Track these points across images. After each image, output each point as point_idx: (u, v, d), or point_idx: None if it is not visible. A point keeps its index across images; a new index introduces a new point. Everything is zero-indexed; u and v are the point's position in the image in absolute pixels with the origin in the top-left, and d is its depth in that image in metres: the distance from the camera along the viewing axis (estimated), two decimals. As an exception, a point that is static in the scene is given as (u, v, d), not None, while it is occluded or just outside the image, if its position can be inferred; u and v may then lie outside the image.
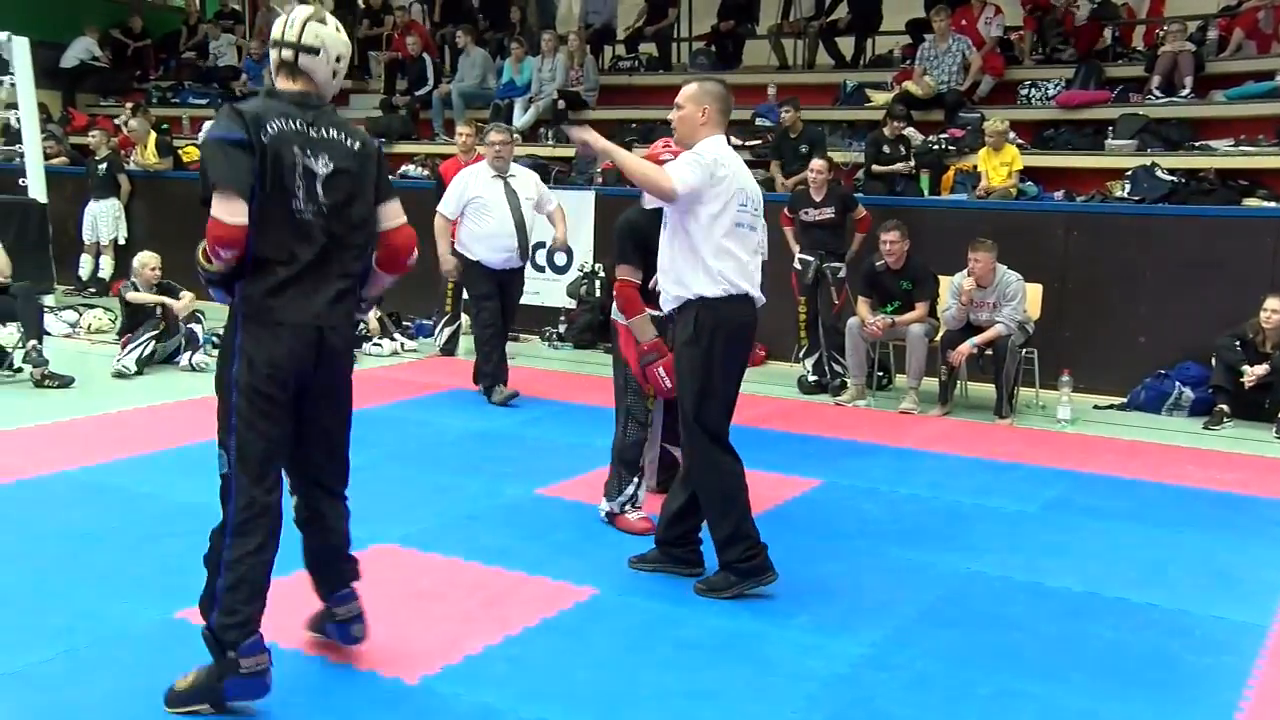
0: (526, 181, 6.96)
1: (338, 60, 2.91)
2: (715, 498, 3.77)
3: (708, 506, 3.80)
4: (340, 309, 2.92)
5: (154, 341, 7.49)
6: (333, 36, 2.90)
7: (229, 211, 2.65)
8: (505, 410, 6.61)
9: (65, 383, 6.89)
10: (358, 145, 2.94)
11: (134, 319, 7.75)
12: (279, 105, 2.83)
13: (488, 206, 6.70)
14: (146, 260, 7.77)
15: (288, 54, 2.86)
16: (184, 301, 7.71)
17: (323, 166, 2.83)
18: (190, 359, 7.56)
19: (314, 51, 2.87)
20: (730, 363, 3.74)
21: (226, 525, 2.86)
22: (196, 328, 7.70)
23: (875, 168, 8.75)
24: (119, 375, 7.27)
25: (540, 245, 9.50)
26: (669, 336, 4.24)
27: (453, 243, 6.81)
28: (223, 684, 2.85)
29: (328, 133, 2.87)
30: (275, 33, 2.90)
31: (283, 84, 2.90)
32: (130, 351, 7.37)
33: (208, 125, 2.79)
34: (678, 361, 3.79)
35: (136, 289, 7.75)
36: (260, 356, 2.79)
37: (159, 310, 7.59)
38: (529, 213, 6.84)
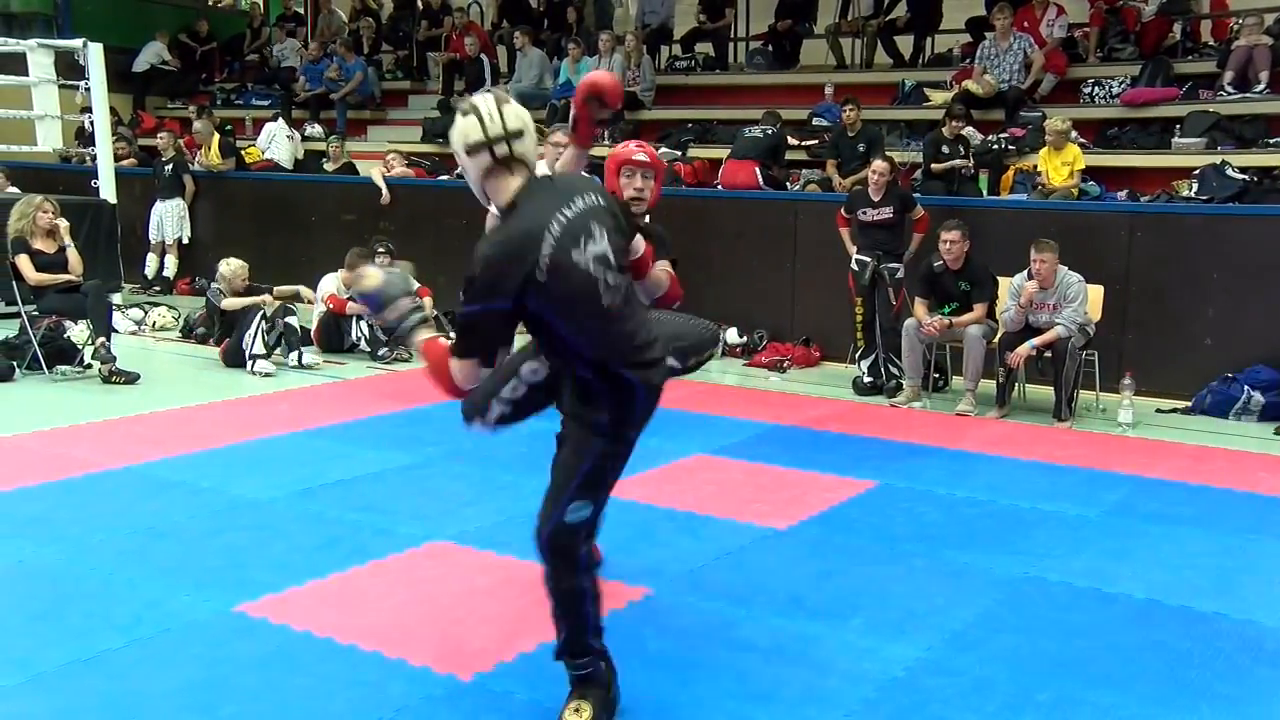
0: None
1: (536, 134, 2.66)
2: None
3: None
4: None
5: (263, 336, 7.65)
6: (525, 112, 2.63)
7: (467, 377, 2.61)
8: (546, 413, 6.62)
9: (131, 379, 7.07)
10: (601, 199, 2.70)
11: (229, 324, 7.91)
12: (532, 208, 2.53)
13: None
14: (238, 270, 7.94)
15: (501, 149, 2.53)
16: (283, 291, 7.98)
17: (601, 240, 2.60)
18: (300, 358, 7.72)
19: (521, 134, 2.56)
20: None
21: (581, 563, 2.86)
22: (292, 320, 7.85)
23: (934, 166, 8.64)
24: (265, 375, 7.46)
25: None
26: None
27: None
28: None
29: (581, 202, 2.61)
30: (475, 134, 2.53)
31: (504, 182, 2.58)
32: (259, 356, 7.55)
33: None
34: None
35: (223, 294, 7.91)
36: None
37: (254, 311, 7.77)
38: None
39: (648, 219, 4.00)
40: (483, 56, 12.14)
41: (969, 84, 9.45)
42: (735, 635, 3.51)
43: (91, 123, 10.45)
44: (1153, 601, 3.87)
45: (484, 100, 2.58)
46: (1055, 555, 4.32)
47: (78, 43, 10.40)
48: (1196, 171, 7.92)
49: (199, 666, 3.21)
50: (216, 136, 11.71)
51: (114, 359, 7.12)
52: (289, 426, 6.07)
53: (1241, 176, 7.72)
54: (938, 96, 9.85)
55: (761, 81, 11.17)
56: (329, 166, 11.31)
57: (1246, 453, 6.07)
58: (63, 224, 7.41)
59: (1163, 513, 4.89)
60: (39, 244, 7.29)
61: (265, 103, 13.49)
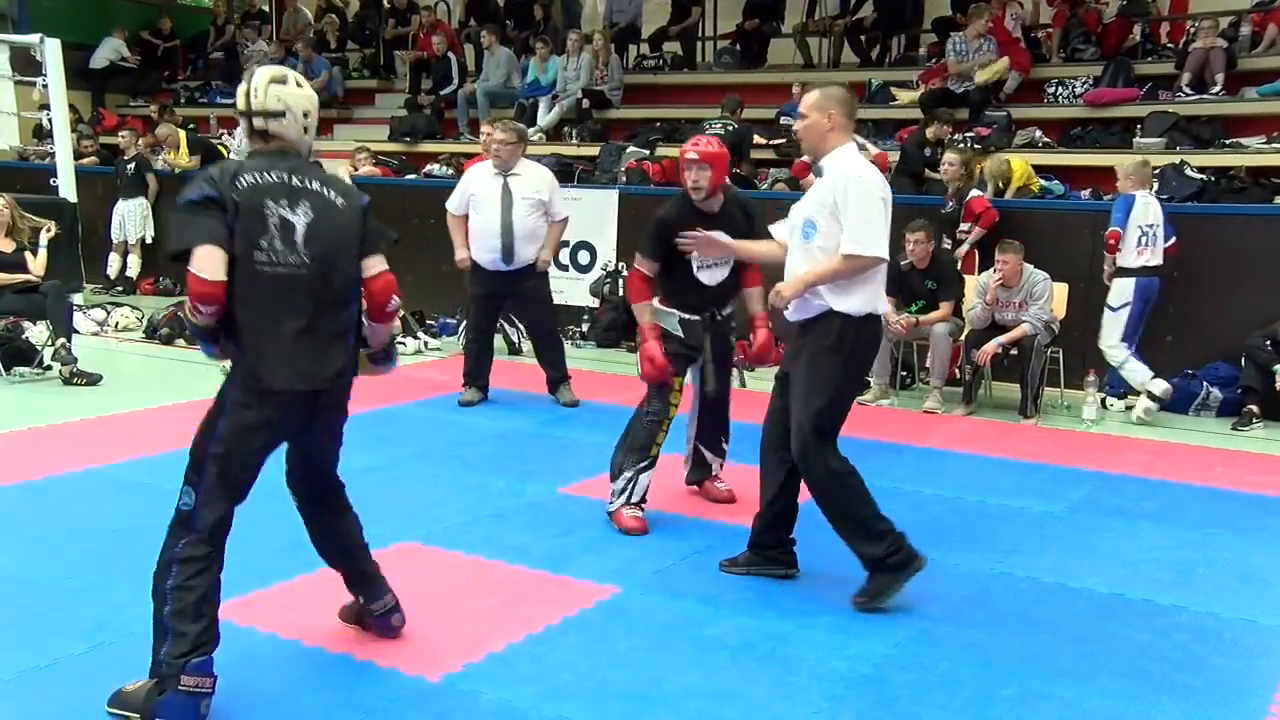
0: (531, 182, 6.60)
1: (305, 116, 2.93)
2: (841, 504, 3.70)
3: (835, 515, 3.73)
4: (332, 363, 2.92)
5: None
6: (295, 95, 2.92)
7: (206, 268, 2.71)
8: (528, 409, 6.62)
9: (93, 381, 6.97)
10: (341, 200, 2.95)
11: None
12: (256, 161, 2.87)
13: (479, 204, 6.56)
14: None
15: (258, 121, 2.88)
16: None
17: (302, 216, 2.84)
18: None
19: (280, 115, 2.88)
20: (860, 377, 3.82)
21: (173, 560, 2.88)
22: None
23: (929, 173, 8.56)
24: (224, 372, 7.38)
25: (565, 244, 9.53)
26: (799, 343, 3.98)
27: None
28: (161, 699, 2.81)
29: (309, 184, 2.90)
30: (240, 102, 2.90)
31: (257, 146, 2.93)
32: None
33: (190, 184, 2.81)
34: (812, 369, 3.66)
35: None
36: (247, 418, 2.89)
37: None
38: (525, 214, 6.49)
39: (715, 203, 4.43)
40: (450, 55, 12.10)
41: (958, 68, 9.46)
42: (704, 633, 3.52)
43: (50, 120, 10.29)
44: (1115, 595, 3.93)
45: (261, 76, 2.89)
46: (1021, 551, 4.37)
47: (34, 38, 10.24)
48: (1157, 171, 8.03)
49: (163, 671, 3.17)
50: (182, 134, 11.56)
51: (75, 360, 7.01)
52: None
53: (1200, 176, 7.85)
54: (904, 96, 9.93)
55: (729, 80, 11.22)
56: (295, 165, 11.19)
57: (1205, 448, 6.17)
58: (44, 233, 7.31)
59: (1125, 508, 4.96)
60: None
61: (230, 101, 13.31)
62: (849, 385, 3.74)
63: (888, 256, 3.61)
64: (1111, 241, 6.81)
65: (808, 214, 3.70)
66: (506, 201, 6.50)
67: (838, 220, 3.58)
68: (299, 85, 2.95)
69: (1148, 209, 6.81)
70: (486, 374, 6.79)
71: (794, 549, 3.98)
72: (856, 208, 3.56)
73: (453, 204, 6.77)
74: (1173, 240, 6.92)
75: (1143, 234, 6.78)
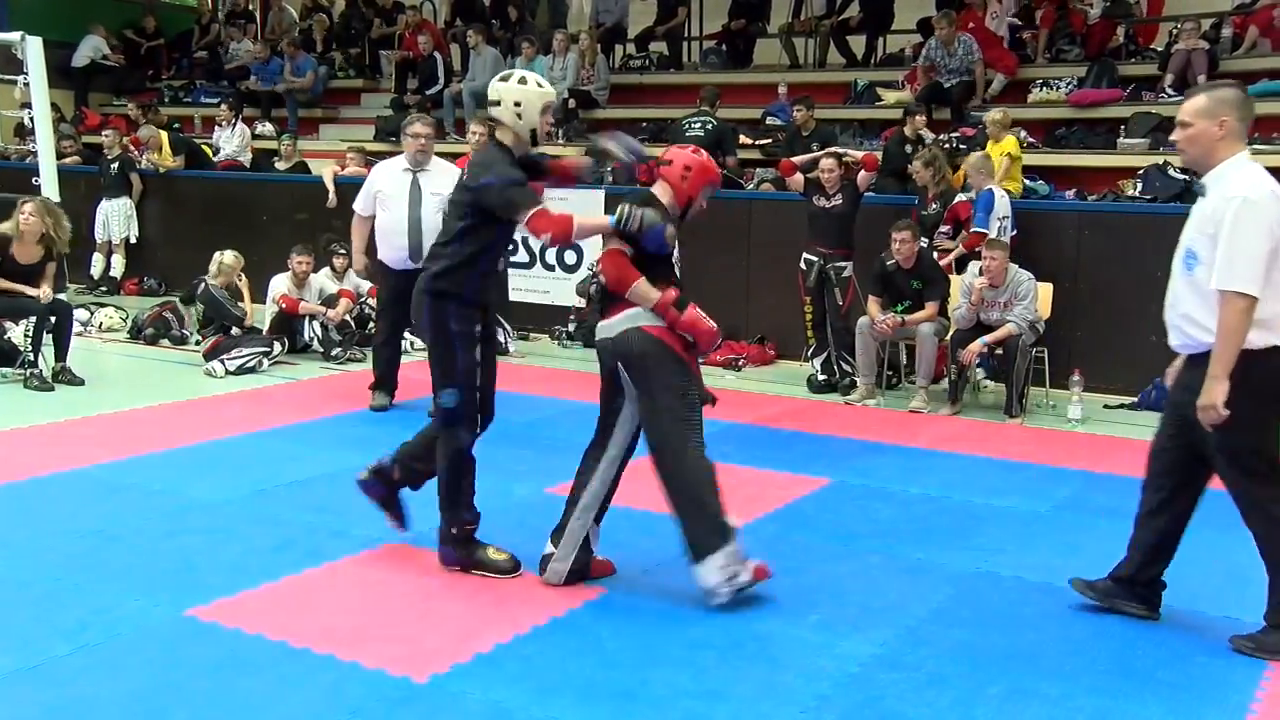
0: (440, 179, 6.27)
1: (541, 112, 4.11)
2: None
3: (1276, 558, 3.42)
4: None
5: (264, 358, 7.61)
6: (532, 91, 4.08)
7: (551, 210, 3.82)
8: (514, 409, 6.57)
9: (47, 388, 6.85)
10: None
11: (219, 315, 7.91)
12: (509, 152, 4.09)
13: (386, 200, 6.37)
14: (236, 263, 7.95)
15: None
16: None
17: None
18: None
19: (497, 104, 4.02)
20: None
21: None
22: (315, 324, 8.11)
23: (908, 169, 8.57)
24: (209, 375, 7.42)
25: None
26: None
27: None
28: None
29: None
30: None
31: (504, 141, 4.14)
32: (232, 359, 7.48)
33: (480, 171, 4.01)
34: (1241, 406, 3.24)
35: (215, 286, 7.89)
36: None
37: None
38: (434, 210, 6.08)
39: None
40: (436, 55, 12.06)
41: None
42: (691, 633, 3.53)
43: (31, 118, 10.21)
44: (1101, 593, 3.94)
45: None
46: (1008, 550, 4.39)
47: (15, 36, 10.15)
48: (1141, 171, 8.09)
49: (149, 672, 3.16)
50: (164, 135, 11.49)
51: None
52: (242, 428, 5.98)
53: (1182, 176, 7.89)
54: (890, 96, 9.96)
55: (715, 81, 11.21)
56: (281, 165, 11.15)
57: (1190, 447, 6.20)
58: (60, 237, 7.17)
59: (1111, 507, 4.97)
60: (17, 249, 6.95)
61: (214, 100, 13.26)
62: (1259, 418, 3.36)
63: (1256, 294, 3.18)
64: (976, 245, 6.98)
65: (1189, 242, 3.39)
66: (415, 197, 6.35)
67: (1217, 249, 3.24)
68: (538, 82, 4.12)
69: (1002, 201, 7.21)
70: (395, 377, 6.60)
71: (1162, 591, 3.71)
72: (1235, 235, 3.20)
73: (360, 204, 6.57)
74: (1014, 232, 7.26)
75: (999, 225, 7.15)
